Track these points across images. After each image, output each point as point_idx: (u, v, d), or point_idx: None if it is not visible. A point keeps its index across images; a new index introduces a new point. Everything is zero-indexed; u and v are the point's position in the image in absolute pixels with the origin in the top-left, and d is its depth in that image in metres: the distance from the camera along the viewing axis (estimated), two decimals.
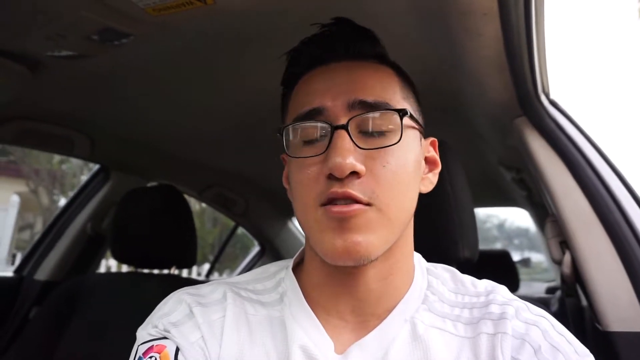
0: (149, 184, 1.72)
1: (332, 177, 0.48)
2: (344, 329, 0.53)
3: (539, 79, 0.90)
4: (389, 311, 0.53)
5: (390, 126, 0.50)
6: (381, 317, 0.53)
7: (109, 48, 0.91)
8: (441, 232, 0.79)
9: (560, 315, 1.54)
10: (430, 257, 0.61)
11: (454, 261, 0.79)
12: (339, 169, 0.47)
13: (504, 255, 2.14)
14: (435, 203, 0.79)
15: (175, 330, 0.52)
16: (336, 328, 0.53)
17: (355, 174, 0.48)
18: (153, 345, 0.51)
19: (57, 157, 8.63)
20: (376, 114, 0.50)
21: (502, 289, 0.56)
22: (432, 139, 0.60)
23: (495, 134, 1.17)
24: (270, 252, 2.46)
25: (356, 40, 0.56)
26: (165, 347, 0.50)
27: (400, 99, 0.54)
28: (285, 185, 0.61)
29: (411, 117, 0.53)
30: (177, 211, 1.32)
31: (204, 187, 1.97)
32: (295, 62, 0.58)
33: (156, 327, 0.52)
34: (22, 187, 9.07)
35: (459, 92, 1.04)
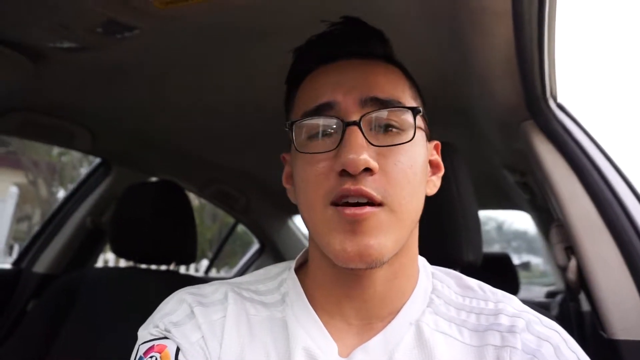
0: (150, 179, 1.71)
1: (344, 174, 0.47)
2: (348, 332, 0.52)
3: (548, 82, 0.89)
4: (393, 314, 0.52)
5: (402, 124, 0.50)
6: (385, 320, 0.52)
7: (114, 41, 0.90)
8: (447, 235, 0.78)
9: (561, 320, 1.53)
10: (435, 260, 0.60)
11: (459, 264, 0.78)
12: (352, 164, 0.46)
13: (505, 259, 2.13)
14: (441, 206, 0.78)
15: (176, 330, 0.51)
16: (340, 331, 0.52)
17: (368, 171, 0.47)
18: (154, 345, 0.50)
19: (56, 149, 8.61)
20: (389, 112, 0.50)
21: (513, 300, 0.55)
22: (435, 142, 0.59)
23: (501, 137, 1.16)
24: (270, 250, 2.45)
25: (367, 40, 0.55)
26: (166, 347, 0.50)
27: (409, 98, 0.54)
28: (286, 185, 0.60)
29: (422, 116, 0.53)
30: (178, 207, 1.31)
31: (205, 183, 1.96)
32: (303, 59, 0.57)
33: (157, 327, 0.52)
34: (21, 179, 9.05)
35: (466, 94, 1.03)
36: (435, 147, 0.59)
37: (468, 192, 0.80)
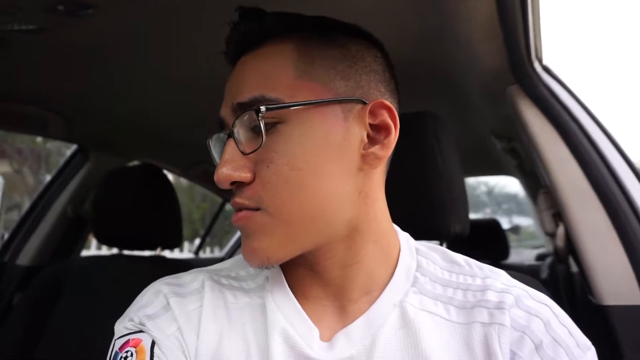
0: (130, 164, 1.67)
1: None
2: (325, 314, 0.51)
3: (533, 44, 0.86)
4: (369, 294, 0.50)
5: (261, 124, 0.45)
6: (360, 302, 0.50)
7: (74, 20, 0.85)
8: (431, 208, 0.76)
9: (551, 284, 1.55)
10: (420, 234, 0.59)
11: (445, 237, 0.77)
12: (216, 182, 0.47)
13: (494, 224, 2.13)
14: (424, 177, 0.76)
15: (151, 323, 0.50)
16: (318, 314, 0.50)
17: (243, 181, 0.47)
18: (129, 340, 0.49)
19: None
20: (243, 117, 0.47)
21: (501, 275, 0.53)
22: (375, 101, 0.48)
23: (486, 103, 1.14)
24: None
25: (244, 29, 0.51)
26: (141, 340, 0.48)
27: (292, 79, 0.47)
28: None
29: (293, 103, 0.46)
30: (159, 191, 1.28)
31: (189, 164, 1.92)
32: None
33: (132, 320, 0.50)
34: (6, 168, 8.91)
35: (449, 60, 0.99)
36: (381, 106, 0.49)
37: (453, 163, 0.78)
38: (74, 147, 1.62)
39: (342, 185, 0.48)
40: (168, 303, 0.51)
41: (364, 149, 0.48)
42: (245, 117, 0.46)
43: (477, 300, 0.49)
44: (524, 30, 0.79)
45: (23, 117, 1.31)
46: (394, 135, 0.49)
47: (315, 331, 0.49)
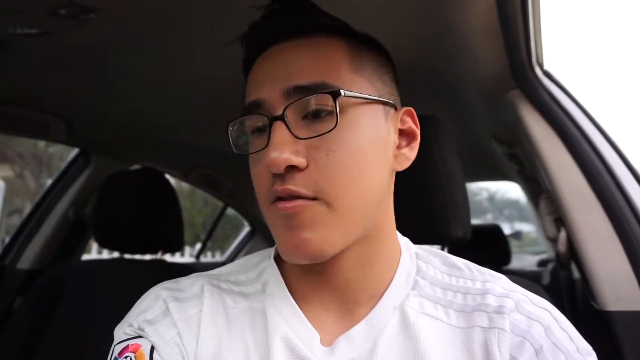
0: (131, 168, 1.67)
1: (275, 173, 0.45)
2: (327, 318, 0.50)
3: (534, 49, 0.86)
4: (373, 298, 0.50)
5: (327, 109, 0.45)
6: (365, 305, 0.50)
7: (75, 24, 0.85)
8: (432, 212, 0.76)
9: (552, 290, 1.54)
10: (421, 238, 0.58)
11: (446, 242, 0.77)
12: (273, 165, 0.44)
13: (496, 230, 2.13)
14: (425, 181, 0.76)
15: (151, 328, 0.49)
16: (319, 318, 0.50)
17: (296, 167, 0.44)
18: (128, 345, 0.49)
19: (41, 141, 8.47)
20: (310, 99, 0.45)
21: (502, 279, 0.53)
22: (406, 108, 0.53)
23: (487, 108, 1.14)
24: (261, 233, 2.43)
25: (292, 16, 0.51)
26: (140, 346, 0.48)
27: (348, 73, 0.48)
28: None
29: (359, 94, 0.47)
30: (160, 195, 1.28)
31: (190, 168, 1.92)
32: (247, 48, 0.54)
33: (131, 325, 0.50)
34: (7, 172, 8.93)
35: (449, 64, 0.99)
36: (409, 114, 0.53)
37: (454, 167, 0.78)
38: (75, 150, 1.62)
39: (382, 180, 0.49)
40: (167, 308, 0.51)
41: (397, 149, 0.52)
42: (300, 101, 0.45)
43: (477, 304, 0.49)
44: (524, 35, 0.80)
45: (24, 121, 1.32)
46: (418, 140, 0.53)
47: (316, 336, 0.48)
